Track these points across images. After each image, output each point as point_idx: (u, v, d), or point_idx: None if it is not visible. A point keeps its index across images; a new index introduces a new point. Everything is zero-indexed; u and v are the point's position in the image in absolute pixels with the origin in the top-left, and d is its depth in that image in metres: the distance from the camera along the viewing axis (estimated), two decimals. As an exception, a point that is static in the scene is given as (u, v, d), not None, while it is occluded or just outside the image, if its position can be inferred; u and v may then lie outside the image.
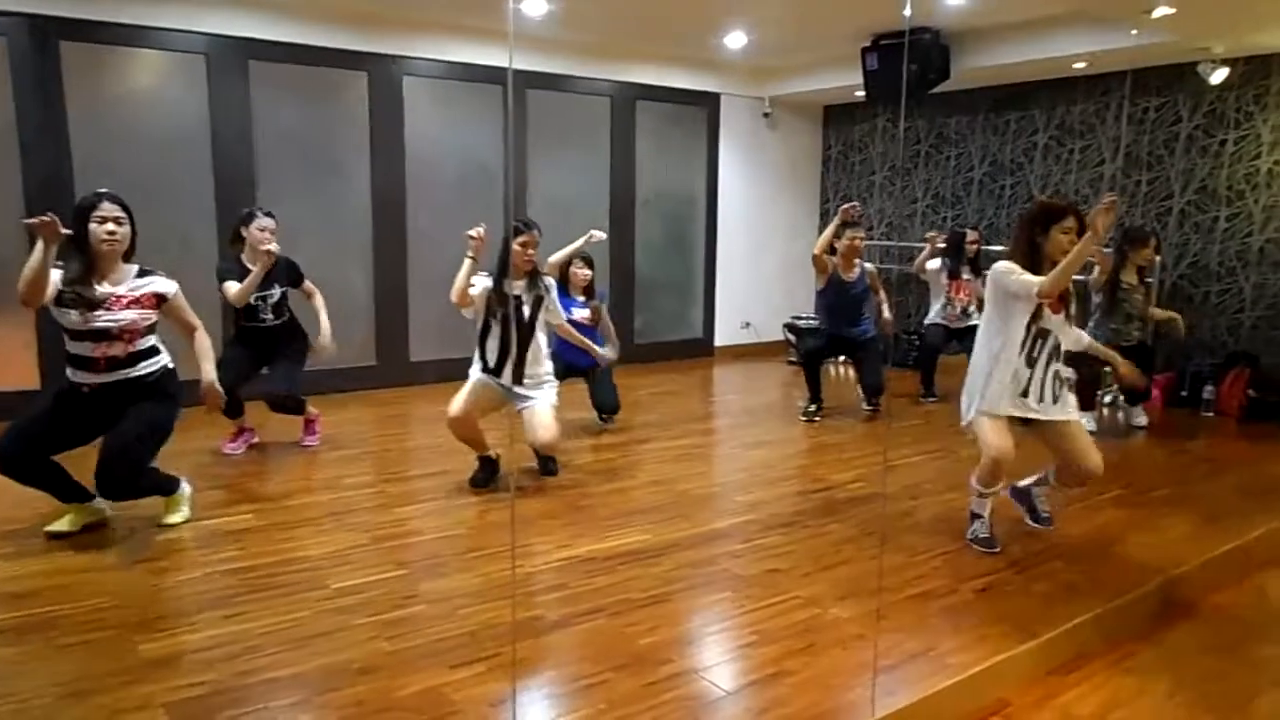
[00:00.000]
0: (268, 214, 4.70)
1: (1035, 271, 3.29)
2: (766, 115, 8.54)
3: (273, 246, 4.52)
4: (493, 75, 6.78)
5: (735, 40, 7.07)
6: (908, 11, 6.28)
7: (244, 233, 4.64)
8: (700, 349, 8.50)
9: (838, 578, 3.23)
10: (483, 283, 4.13)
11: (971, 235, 6.45)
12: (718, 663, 2.63)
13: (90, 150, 5.46)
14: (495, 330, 4.16)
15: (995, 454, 3.39)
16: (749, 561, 3.38)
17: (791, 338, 8.29)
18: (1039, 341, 3.37)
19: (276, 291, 4.70)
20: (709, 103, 8.19)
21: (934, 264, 6.49)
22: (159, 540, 3.50)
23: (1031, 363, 3.37)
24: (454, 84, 6.75)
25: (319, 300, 4.91)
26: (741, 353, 8.55)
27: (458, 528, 3.72)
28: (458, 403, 4.12)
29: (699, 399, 6.86)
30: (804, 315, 8.57)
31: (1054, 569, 3.32)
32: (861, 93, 7.29)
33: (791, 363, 8.09)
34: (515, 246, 4.13)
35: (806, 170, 8.98)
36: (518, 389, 4.18)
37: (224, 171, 5.93)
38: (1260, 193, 6.13)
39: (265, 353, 4.77)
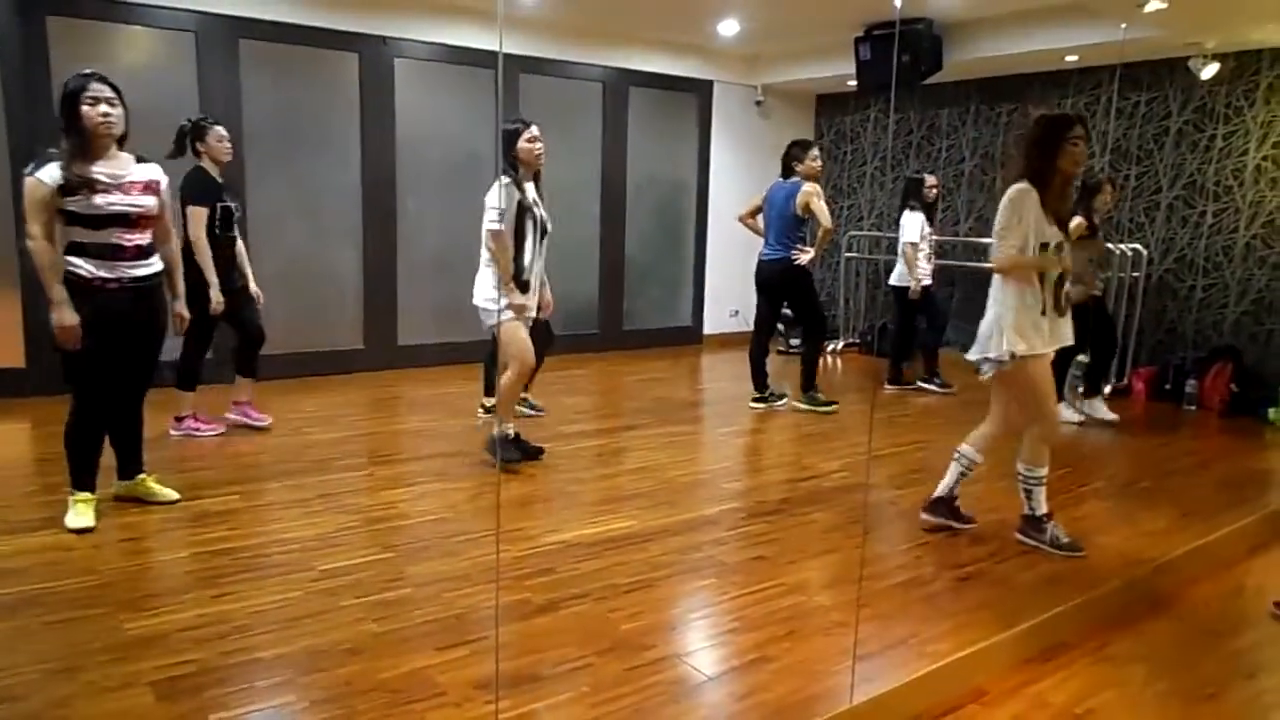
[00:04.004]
0: (215, 121, 4.55)
1: (1046, 186, 3.23)
2: (759, 103, 8.53)
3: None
4: (484, 59, 6.75)
5: (728, 27, 7.05)
6: (898, 2, 6.28)
7: (200, 146, 4.47)
8: (689, 336, 8.52)
9: (821, 565, 3.27)
10: (498, 199, 4.04)
11: (930, 180, 6.35)
12: (700, 648, 2.67)
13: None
14: (527, 240, 4.10)
15: (1053, 405, 3.32)
16: (734, 548, 3.41)
17: (780, 327, 8.30)
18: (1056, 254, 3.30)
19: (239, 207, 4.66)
20: (702, 90, 8.17)
21: (913, 223, 6.23)
22: (147, 520, 3.51)
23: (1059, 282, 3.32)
24: (445, 66, 6.72)
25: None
26: (729, 341, 8.56)
27: (445, 511, 3.74)
28: (529, 353, 4.17)
29: (687, 386, 6.89)
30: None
31: (1033, 559, 3.37)
32: (854, 82, 7.30)
33: (781, 352, 8.12)
34: (524, 144, 4.09)
35: (798, 159, 8.97)
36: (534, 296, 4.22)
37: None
38: (1247, 188, 6.17)
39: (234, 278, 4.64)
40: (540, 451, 4.49)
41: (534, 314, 4.30)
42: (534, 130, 4.13)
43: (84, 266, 3.23)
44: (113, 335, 3.32)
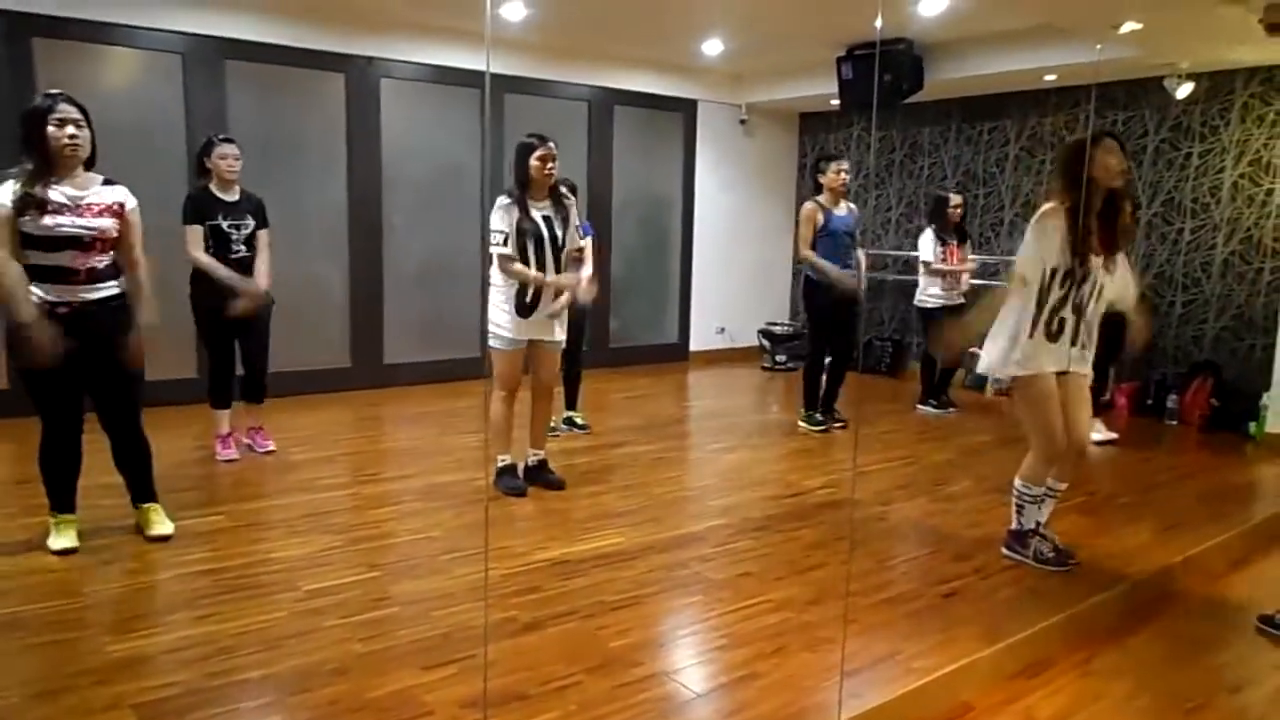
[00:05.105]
0: (226, 139, 4.54)
1: (1075, 206, 3.23)
2: (743, 122, 8.60)
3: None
4: (470, 78, 6.79)
5: (713, 47, 7.12)
6: (879, 22, 6.36)
7: (207, 163, 4.50)
8: (675, 354, 8.53)
9: (808, 582, 3.28)
10: (499, 221, 4.03)
11: (955, 199, 6.35)
12: (688, 665, 2.67)
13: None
14: (529, 260, 4.03)
15: (1052, 428, 3.29)
16: (721, 565, 3.42)
17: (766, 343, 8.35)
18: (1081, 286, 3.29)
19: (250, 224, 4.58)
20: (686, 108, 8.24)
21: (925, 242, 6.30)
22: (131, 541, 3.47)
23: (1077, 309, 3.29)
24: (431, 86, 6.75)
25: (265, 256, 4.71)
26: (716, 358, 8.59)
27: (432, 530, 3.73)
28: (506, 381, 4.16)
29: (673, 403, 6.90)
30: (779, 321, 8.63)
31: (1018, 575, 3.38)
32: (836, 101, 7.37)
33: (765, 368, 8.16)
34: (534, 162, 4.02)
35: (782, 177, 9.05)
36: (554, 321, 4.15)
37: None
38: (1224, 206, 6.26)
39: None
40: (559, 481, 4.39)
41: (550, 337, 4.20)
42: (548, 148, 4.04)
43: (34, 292, 3.17)
44: (66, 359, 3.21)
